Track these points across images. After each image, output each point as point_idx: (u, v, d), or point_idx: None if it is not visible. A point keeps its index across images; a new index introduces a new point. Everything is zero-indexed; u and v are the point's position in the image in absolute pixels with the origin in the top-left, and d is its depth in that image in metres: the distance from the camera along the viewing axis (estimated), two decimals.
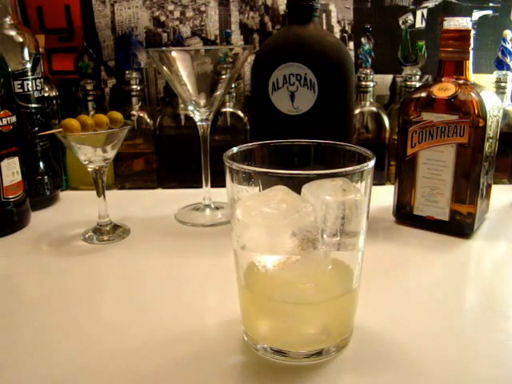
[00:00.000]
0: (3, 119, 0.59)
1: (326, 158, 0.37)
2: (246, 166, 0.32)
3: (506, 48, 0.76)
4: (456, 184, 0.56)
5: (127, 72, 0.77)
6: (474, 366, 0.35)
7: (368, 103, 0.76)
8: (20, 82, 0.65)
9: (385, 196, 0.65)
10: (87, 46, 0.80)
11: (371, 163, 0.33)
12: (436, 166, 0.56)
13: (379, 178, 0.77)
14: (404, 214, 0.60)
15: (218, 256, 0.51)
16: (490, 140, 0.56)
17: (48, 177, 0.71)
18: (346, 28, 0.83)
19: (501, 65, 0.77)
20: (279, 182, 0.32)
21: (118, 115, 0.56)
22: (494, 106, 0.55)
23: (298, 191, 0.32)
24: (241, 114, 0.77)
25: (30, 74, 0.66)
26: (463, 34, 0.54)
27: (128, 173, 0.79)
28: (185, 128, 0.78)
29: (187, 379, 0.34)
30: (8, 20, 0.65)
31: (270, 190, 0.32)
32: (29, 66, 0.66)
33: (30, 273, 0.51)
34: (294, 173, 0.31)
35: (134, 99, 0.77)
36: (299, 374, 0.34)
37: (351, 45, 0.83)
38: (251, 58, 0.74)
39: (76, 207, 0.70)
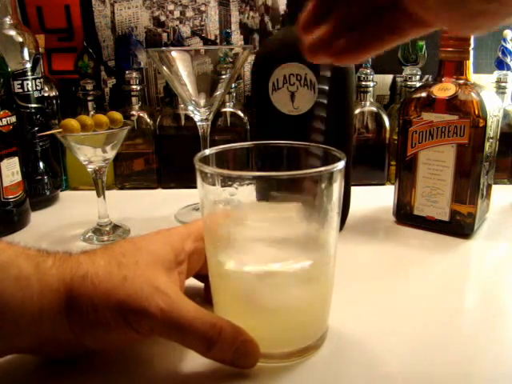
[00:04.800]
0: (3, 119, 0.59)
1: (299, 159, 0.38)
2: (217, 169, 0.33)
3: (506, 48, 0.76)
4: (456, 184, 0.56)
5: (127, 72, 0.77)
6: (474, 367, 0.35)
7: (368, 103, 0.76)
8: (20, 81, 0.65)
9: (385, 196, 0.65)
10: (87, 46, 0.80)
11: (341, 164, 0.33)
12: (436, 166, 0.56)
13: (379, 178, 0.77)
14: (404, 214, 0.60)
15: None
16: (491, 140, 0.56)
17: (48, 177, 0.71)
18: None
19: (501, 65, 0.76)
20: (251, 183, 0.32)
21: (117, 115, 0.56)
22: (494, 106, 0.55)
23: (270, 193, 0.33)
24: (241, 113, 0.77)
25: (29, 73, 0.66)
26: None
27: (128, 173, 0.79)
28: (185, 128, 0.78)
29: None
30: (8, 20, 0.65)
31: None
32: (29, 65, 0.66)
33: None
34: (265, 175, 0.32)
35: (134, 99, 0.77)
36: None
37: None
38: (251, 58, 0.74)
39: (76, 207, 0.70)
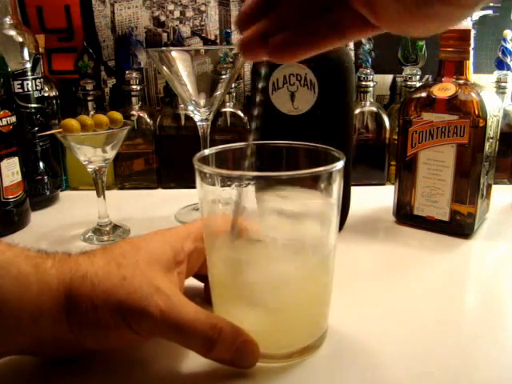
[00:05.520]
0: (3, 119, 0.59)
1: (299, 159, 0.38)
2: (216, 169, 0.33)
3: (506, 48, 0.76)
4: (456, 184, 0.56)
5: (127, 72, 0.77)
6: (474, 367, 0.35)
7: (368, 103, 0.76)
8: (20, 81, 0.65)
9: (385, 196, 0.65)
10: (87, 46, 0.80)
11: (340, 164, 0.32)
12: (436, 166, 0.56)
13: (379, 178, 0.77)
14: (404, 214, 0.60)
15: None
16: (491, 140, 0.56)
17: (48, 177, 0.71)
18: None
19: (501, 65, 0.76)
20: (250, 184, 0.32)
21: (117, 115, 0.56)
22: (494, 106, 0.55)
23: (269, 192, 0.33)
24: (241, 113, 0.77)
25: (29, 73, 0.66)
26: (463, 34, 0.54)
27: (128, 173, 0.79)
28: (185, 128, 0.78)
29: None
30: (8, 20, 0.65)
31: None
32: (29, 65, 0.66)
33: None
34: (265, 175, 0.32)
35: (134, 99, 0.77)
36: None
37: (351, 45, 0.83)
38: None
39: (76, 207, 0.70)
